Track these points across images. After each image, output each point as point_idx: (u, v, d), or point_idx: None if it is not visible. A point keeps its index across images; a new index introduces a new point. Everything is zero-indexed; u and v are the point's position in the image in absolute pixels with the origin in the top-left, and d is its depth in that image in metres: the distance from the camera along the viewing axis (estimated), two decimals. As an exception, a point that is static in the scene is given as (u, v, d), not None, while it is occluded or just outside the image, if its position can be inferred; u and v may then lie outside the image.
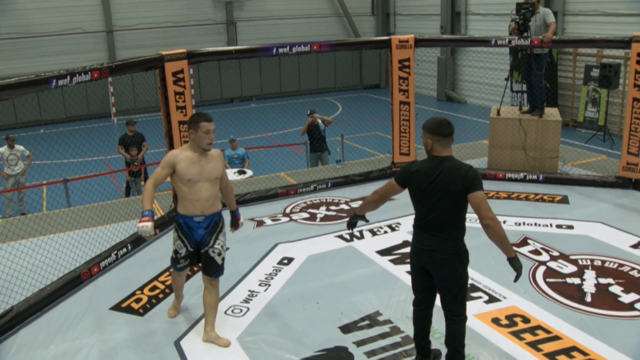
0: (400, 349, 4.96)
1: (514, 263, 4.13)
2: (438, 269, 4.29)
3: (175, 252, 5.15)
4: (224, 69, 23.44)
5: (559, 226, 7.46)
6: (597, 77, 16.58)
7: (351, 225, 4.83)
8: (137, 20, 22.55)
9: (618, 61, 16.00)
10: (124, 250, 6.89)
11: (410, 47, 9.08)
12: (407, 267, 6.37)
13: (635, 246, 6.89)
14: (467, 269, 4.33)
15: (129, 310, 5.77)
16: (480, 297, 5.74)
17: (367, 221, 4.91)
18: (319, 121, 11.87)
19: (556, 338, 5.08)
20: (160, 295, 6.01)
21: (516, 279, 4.17)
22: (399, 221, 7.62)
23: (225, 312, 5.62)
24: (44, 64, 19.52)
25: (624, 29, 14.75)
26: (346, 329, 5.29)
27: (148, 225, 4.71)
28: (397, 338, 5.13)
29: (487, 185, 8.80)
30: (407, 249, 6.80)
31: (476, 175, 4.12)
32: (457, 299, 4.35)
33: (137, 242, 7.10)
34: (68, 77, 5.92)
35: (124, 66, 7.13)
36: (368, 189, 8.93)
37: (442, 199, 4.16)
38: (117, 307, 5.82)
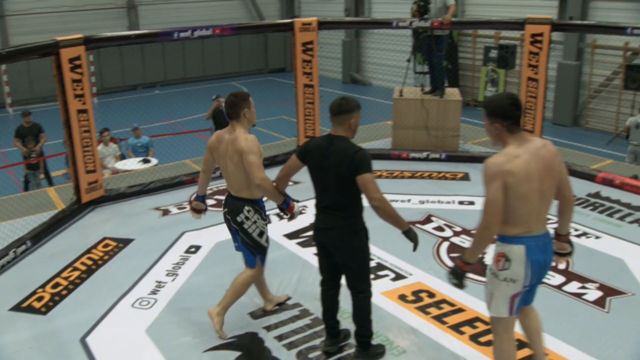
0: (310, 331, 5.02)
1: (409, 235, 4.22)
2: (337, 248, 4.36)
3: (267, 240, 4.96)
4: (126, 55, 22.70)
5: (461, 202, 7.71)
6: (496, 57, 17.13)
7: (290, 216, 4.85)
8: (31, 4, 21.47)
9: (514, 42, 16.59)
10: (23, 247, 6.61)
11: (314, 30, 9.09)
12: (315, 249, 6.46)
13: (531, 219, 7.19)
14: (367, 246, 4.39)
15: (30, 310, 5.53)
16: (386, 275, 5.87)
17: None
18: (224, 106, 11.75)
19: (460, 310, 5.27)
20: (64, 292, 5.80)
21: (414, 249, 4.27)
22: (306, 204, 7.63)
23: (132, 305, 5.50)
24: None
25: (520, 11, 15.26)
26: (256, 314, 5.30)
27: (296, 205, 4.78)
28: (307, 320, 5.18)
29: (392, 165, 9.07)
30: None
31: (363, 157, 4.14)
32: (359, 276, 4.43)
33: (37, 237, 6.83)
34: (-48, 66, 5.61)
35: (15, 53, 6.85)
36: (273, 173, 8.80)
37: (333, 179, 4.22)
38: (17, 308, 5.57)
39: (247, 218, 4.80)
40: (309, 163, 4.37)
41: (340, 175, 4.18)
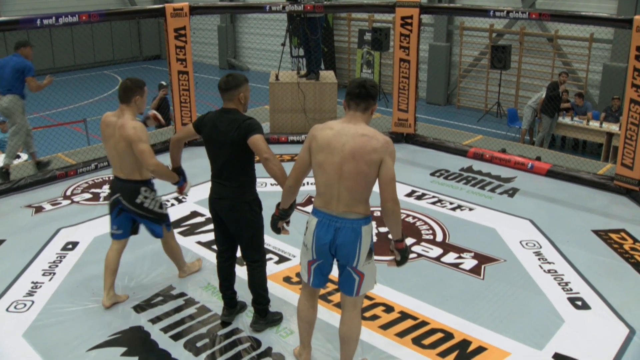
0: (196, 320, 4.98)
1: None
2: (228, 217, 4.48)
3: (165, 207, 5.25)
4: (-15, 44, 21.31)
5: (341, 183, 7.82)
6: (370, 40, 17.52)
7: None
8: None
9: (388, 25, 17.01)
10: None
11: (186, 15, 8.91)
12: (198, 238, 6.41)
13: (409, 195, 7.47)
14: (259, 217, 4.55)
15: None
16: (270, 259, 5.88)
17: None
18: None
19: (344, 289, 5.36)
20: None
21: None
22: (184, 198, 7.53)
23: (7, 310, 5.19)
24: None
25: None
26: (139, 307, 5.18)
27: (188, 186, 5.20)
28: (192, 309, 5.13)
29: (271, 149, 9.00)
30: (196, 220, 6.81)
31: (252, 123, 4.31)
32: (252, 245, 4.57)
33: None
34: None
35: None
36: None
37: (224, 148, 4.34)
38: None
39: (145, 197, 5.04)
40: (203, 135, 4.48)
41: (229, 143, 4.29)
